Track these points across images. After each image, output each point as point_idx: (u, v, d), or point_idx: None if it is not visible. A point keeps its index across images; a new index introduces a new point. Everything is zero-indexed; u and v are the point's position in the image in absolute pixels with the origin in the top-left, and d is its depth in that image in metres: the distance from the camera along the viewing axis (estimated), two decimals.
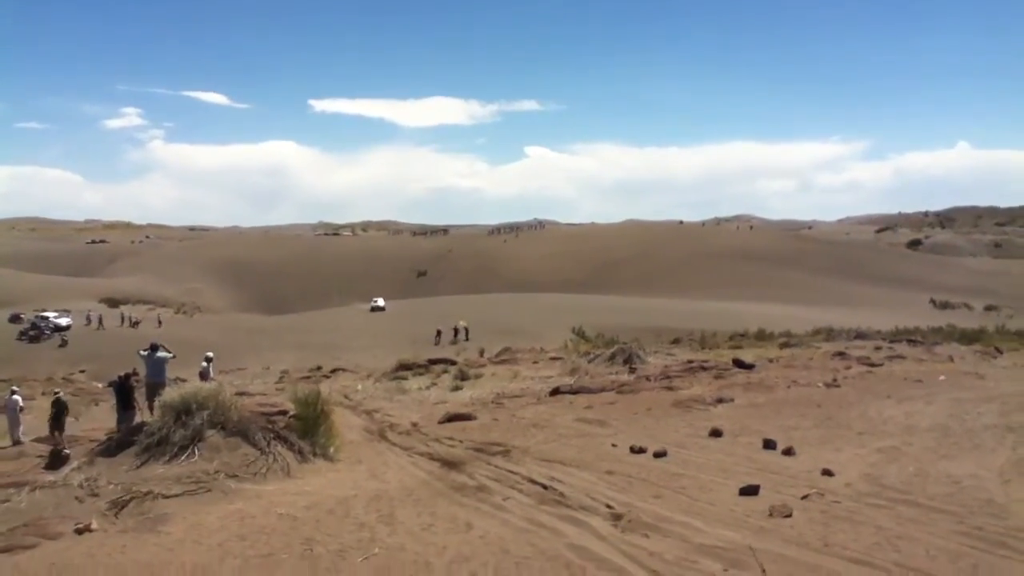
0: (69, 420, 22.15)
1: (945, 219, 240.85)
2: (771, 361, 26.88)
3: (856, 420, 15.03)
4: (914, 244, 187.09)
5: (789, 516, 9.05)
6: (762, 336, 47.07)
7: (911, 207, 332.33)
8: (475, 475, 12.52)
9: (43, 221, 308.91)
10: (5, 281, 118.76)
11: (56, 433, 18.93)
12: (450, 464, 13.53)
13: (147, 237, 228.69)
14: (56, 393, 21.40)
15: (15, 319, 73.15)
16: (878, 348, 31.27)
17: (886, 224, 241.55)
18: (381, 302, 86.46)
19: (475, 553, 8.67)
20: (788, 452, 12.47)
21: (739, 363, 24.94)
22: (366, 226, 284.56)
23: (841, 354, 27.95)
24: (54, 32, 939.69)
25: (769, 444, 13.02)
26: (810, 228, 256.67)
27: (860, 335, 40.79)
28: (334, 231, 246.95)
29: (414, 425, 19.32)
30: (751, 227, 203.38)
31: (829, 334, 44.57)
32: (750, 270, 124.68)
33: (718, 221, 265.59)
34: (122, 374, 21.05)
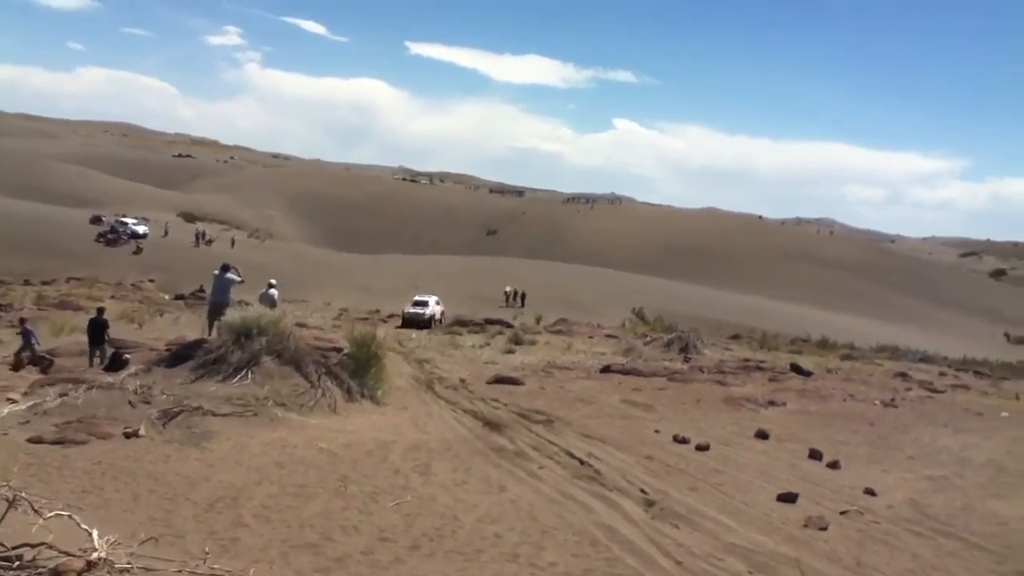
0: (132, 327, 22.59)
1: None
2: (830, 371, 26.29)
3: (908, 444, 14.63)
4: (998, 273, 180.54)
5: (824, 529, 8.89)
6: (824, 344, 46.06)
7: (1001, 235, 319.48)
8: (515, 440, 12.57)
9: (135, 128, 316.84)
10: (92, 182, 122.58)
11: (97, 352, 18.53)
12: (492, 425, 13.61)
13: (231, 158, 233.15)
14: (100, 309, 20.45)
15: (96, 220, 75.30)
16: (943, 374, 30.32)
17: (972, 249, 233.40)
18: (430, 308, 41.73)
19: (503, 516, 8.72)
20: (833, 465, 12.23)
21: (797, 368, 24.45)
22: (444, 177, 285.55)
23: (903, 375, 27.19)
24: None
25: (815, 454, 12.78)
26: (892, 242, 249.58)
27: (926, 358, 39.61)
28: (412, 178, 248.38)
29: (462, 381, 19.45)
30: (831, 232, 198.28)
31: (894, 352, 43.39)
32: (823, 276, 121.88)
33: (799, 221, 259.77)
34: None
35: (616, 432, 13.74)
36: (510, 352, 27.88)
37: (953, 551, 8.57)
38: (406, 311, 41.00)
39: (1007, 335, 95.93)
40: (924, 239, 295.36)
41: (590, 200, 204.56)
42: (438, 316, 41.65)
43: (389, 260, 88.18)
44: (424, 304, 41.72)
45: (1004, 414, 19.50)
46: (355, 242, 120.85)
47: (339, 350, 16.52)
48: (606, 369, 22.59)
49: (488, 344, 30.67)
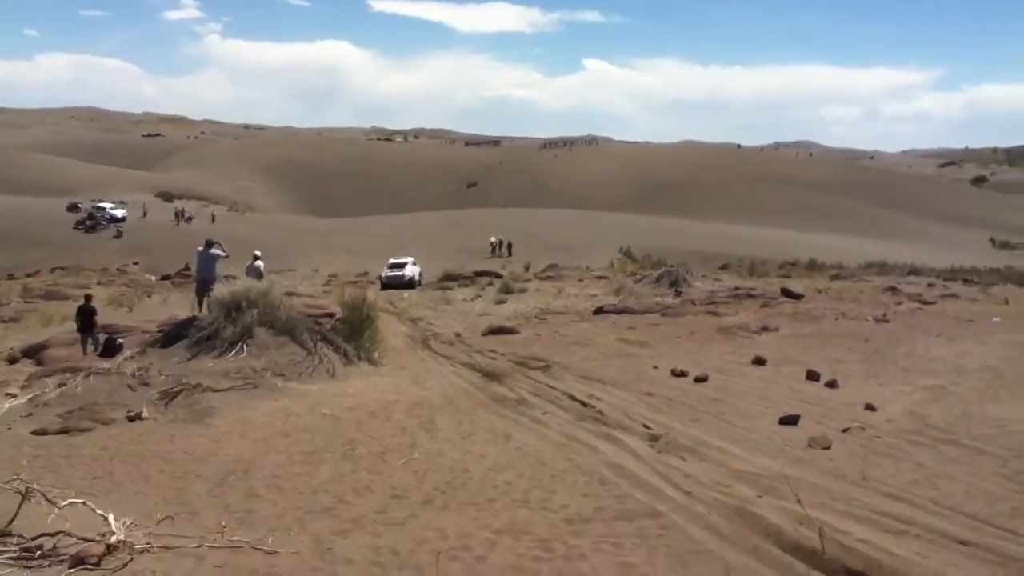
0: (123, 311, 22.56)
1: (1015, 156, 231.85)
2: (820, 292, 26.49)
3: (903, 357, 14.81)
4: (979, 181, 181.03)
5: (828, 448, 9.02)
6: (813, 266, 46.36)
7: (980, 142, 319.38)
8: (515, 388, 12.66)
9: (100, 112, 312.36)
10: (64, 170, 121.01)
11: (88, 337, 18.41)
12: (491, 376, 13.70)
13: (202, 133, 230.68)
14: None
15: (73, 208, 74.65)
16: (931, 285, 30.59)
17: (952, 159, 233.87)
18: (408, 269, 40.52)
19: (512, 463, 8.81)
20: (831, 384, 12.36)
21: (787, 292, 24.62)
22: (418, 133, 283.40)
23: (893, 289, 27.42)
24: None
25: (812, 375, 12.91)
26: (871, 158, 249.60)
27: (914, 271, 39.94)
28: (386, 137, 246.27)
29: (457, 335, 19.53)
30: (810, 154, 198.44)
31: (882, 268, 43.73)
32: (806, 198, 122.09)
33: (777, 146, 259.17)
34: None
35: (614, 371, 13.84)
36: (502, 302, 27.94)
37: (955, 457, 8.71)
38: (385, 275, 40.05)
39: (992, 240, 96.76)
40: (903, 152, 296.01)
41: (567, 143, 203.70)
42: (417, 277, 40.46)
43: (371, 221, 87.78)
44: (402, 266, 40.84)
45: (995, 319, 19.74)
46: (335, 206, 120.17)
47: (332, 315, 16.56)
48: (599, 310, 22.69)
49: (479, 296, 30.72)
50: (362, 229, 77.65)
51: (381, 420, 10.77)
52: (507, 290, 30.87)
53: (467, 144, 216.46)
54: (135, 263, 53.98)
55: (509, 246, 59.42)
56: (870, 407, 10.84)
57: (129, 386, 12.17)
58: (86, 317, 18.38)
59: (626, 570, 6.13)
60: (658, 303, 23.80)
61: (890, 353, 15.15)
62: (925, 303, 23.10)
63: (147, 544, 6.22)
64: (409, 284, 38.50)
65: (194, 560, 6.13)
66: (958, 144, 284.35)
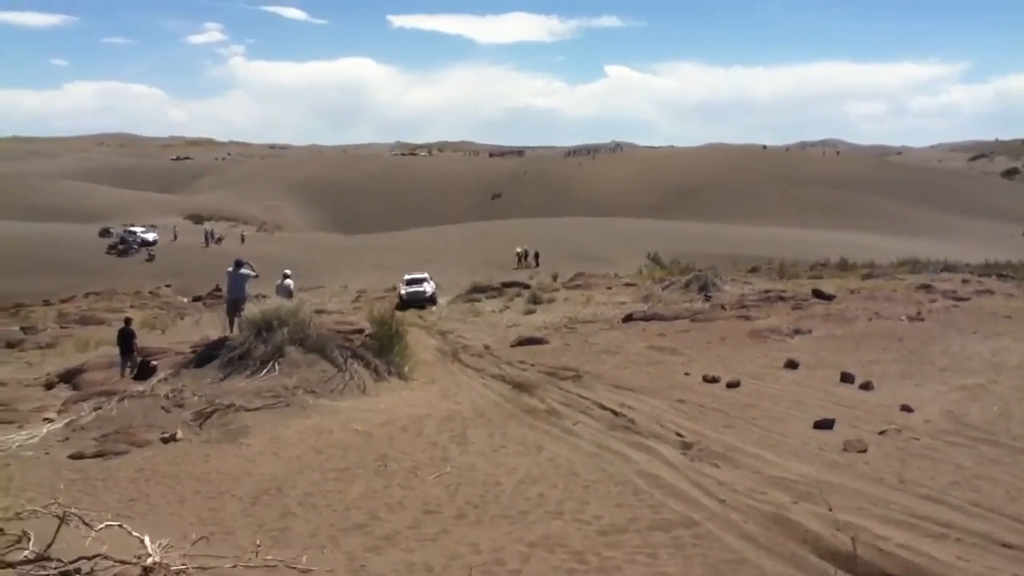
0: (156, 333, 22.85)
1: None
2: (852, 292, 26.15)
3: (939, 356, 14.57)
4: (1010, 173, 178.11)
5: (864, 451, 8.89)
6: (844, 266, 45.78)
7: (1011, 134, 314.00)
8: (546, 399, 12.63)
9: (130, 137, 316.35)
10: (94, 196, 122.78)
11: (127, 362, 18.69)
12: (521, 387, 13.67)
13: (229, 155, 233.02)
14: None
15: (105, 233, 75.72)
16: (966, 282, 30.09)
17: (982, 151, 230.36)
18: (429, 285, 38.50)
19: (544, 475, 8.78)
20: (866, 386, 12.20)
21: (819, 294, 24.35)
22: (442, 147, 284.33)
23: (926, 287, 27.02)
24: None
25: (847, 378, 12.75)
26: (899, 154, 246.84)
27: (948, 268, 39.31)
28: (411, 151, 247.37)
29: (486, 347, 19.52)
30: (837, 152, 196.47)
31: (915, 266, 43.07)
32: (834, 197, 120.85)
33: (803, 146, 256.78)
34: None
35: (645, 379, 13.76)
36: (530, 312, 27.92)
37: (996, 458, 8.55)
38: (405, 292, 37.24)
39: None
40: (932, 147, 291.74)
41: (591, 151, 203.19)
42: (435, 293, 38.07)
43: (398, 236, 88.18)
44: (421, 281, 38.56)
45: None
46: (362, 222, 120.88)
47: (361, 331, 16.65)
48: (628, 318, 22.58)
49: (508, 307, 30.72)
50: (389, 244, 78.01)
51: (412, 435, 10.78)
52: (535, 300, 30.84)
53: (491, 155, 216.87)
54: (167, 285, 54.67)
55: (536, 256, 59.32)
56: (906, 408, 10.67)
57: (163, 408, 12.30)
58: (126, 340, 18.67)
59: None
60: (687, 308, 23.65)
61: (925, 352, 14.92)
62: (960, 299, 22.74)
63: (183, 565, 6.25)
64: (431, 300, 36.44)
65: None
66: (988, 136, 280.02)
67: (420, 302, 35.58)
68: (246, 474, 9.38)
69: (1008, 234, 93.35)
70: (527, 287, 37.75)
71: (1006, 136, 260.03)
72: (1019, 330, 17.02)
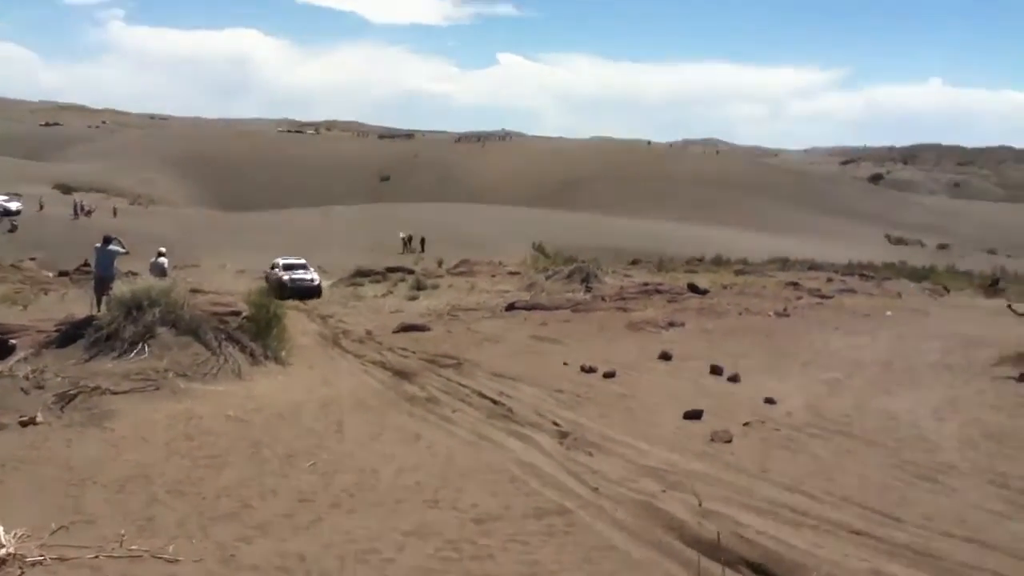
0: (16, 309, 21.66)
1: (908, 155, 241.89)
2: (725, 287, 27.18)
3: (803, 351, 15.35)
4: (876, 179, 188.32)
5: (730, 442, 9.30)
6: (718, 262, 47.50)
7: (878, 141, 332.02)
8: (426, 387, 12.63)
9: None
10: None
11: None
12: (402, 374, 13.63)
13: (103, 123, 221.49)
14: None
15: None
16: (830, 280, 31.72)
17: (851, 157, 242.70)
18: (313, 271, 32.97)
19: (422, 463, 8.80)
20: (734, 379, 12.74)
21: (693, 288, 25.20)
22: (331, 125, 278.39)
23: (794, 284, 28.36)
24: None
25: (716, 370, 13.27)
26: (776, 156, 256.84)
27: (814, 266, 41.35)
28: (298, 128, 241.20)
29: (368, 333, 19.35)
30: (717, 152, 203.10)
31: (784, 263, 45.12)
32: (713, 195, 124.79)
33: (686, 144, 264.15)
34: None
35: (525, 368, 13.93)
36: (414, 298, 27.80)
37: (850, 449, 9.10)
38: (288, 278, 30.67)
39: (887, 236, 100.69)
40: (807, 151, 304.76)
41: (481, 138, 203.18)
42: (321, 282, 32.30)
43: (282, 215, 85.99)
44: (305, 267, 32.82)
45: (888, 313, 20.62)
46: (243, 200, 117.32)
47: (238, 313, 16.17)
48: (511, 307, 22.79)
49: (391, 292, 30.47)
50: (271, 223, 75.99)
51: (289, 422, 10.59)
52: (419, 286, 30.71)
53: (380, 137, 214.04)
54: (31, 258, 51.54)
55: (422, 241, 58.96)
56: (770, 401, 11.20)
57: (22, 389, 11.64)
58: None
59: (533, 568, 6.21)
60: (569, 299, 24.04)
61: (790, 347, 15.68)
62: (824, 297, 23.96)
63: (40, 556, 6.00)
64: (318, 292, 30.79)
65: (90, 571, 5.95)
66: (857, 143, 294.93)
67: (307, 293, 30.16)
68: (111, 460, 9.01)
69: (871, 236, 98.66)
70: (411, 272, 37.53)
71: (874, 143, 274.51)
72: (876, 328, 18.09)
